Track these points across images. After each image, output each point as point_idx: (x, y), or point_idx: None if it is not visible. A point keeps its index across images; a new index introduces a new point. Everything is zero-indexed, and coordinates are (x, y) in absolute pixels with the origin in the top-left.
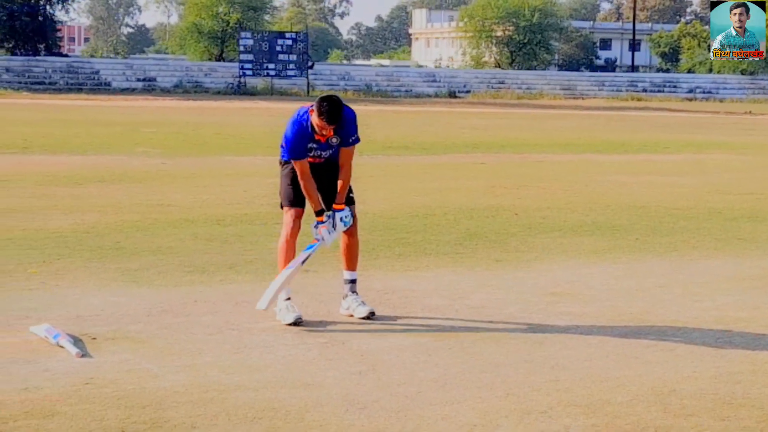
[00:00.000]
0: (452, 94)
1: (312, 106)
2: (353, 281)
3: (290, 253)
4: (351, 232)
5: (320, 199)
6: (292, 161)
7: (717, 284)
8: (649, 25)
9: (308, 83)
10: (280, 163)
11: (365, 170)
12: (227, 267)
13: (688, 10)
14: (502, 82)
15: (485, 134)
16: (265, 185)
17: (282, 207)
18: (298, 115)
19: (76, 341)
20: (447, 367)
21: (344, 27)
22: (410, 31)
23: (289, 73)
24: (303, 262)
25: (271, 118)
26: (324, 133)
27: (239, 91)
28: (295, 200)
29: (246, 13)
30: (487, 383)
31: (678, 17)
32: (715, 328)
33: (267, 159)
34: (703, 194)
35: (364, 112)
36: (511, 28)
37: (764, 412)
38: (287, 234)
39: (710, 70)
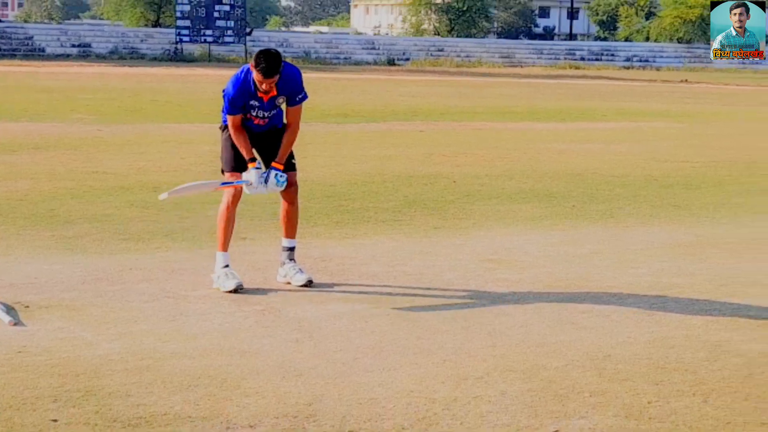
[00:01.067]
0: (391, 62)
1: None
2: (291, 249)
3: (231, 220)
4: (291, 199)
5: (254, 151)
6: (227, 116)
7: (652, 251)
8: None
9: (246, 50)
10: (221, 128)
11: (304, 138)
12: (163, 234)
13: None
14: (441, 50)
15: (424, 102)
16: (202, 152)
17: (223, 172)
18: (240, 71)
19: (9, 309)
20: (384, 334)
21: None
22: None
23: (227, 39)
24: (222, 184)
25: (209, 85)
26: (264, 88)
27: (176, 57)
28: (236, 165)
29: None
30: (423, 349)
31: None
32: (650, 293)
33: (204, 126)
34: (639, 162)
35: (303, 79)
36: None
37: (697, 377)
38: (228, 200)
39: (647, 39)
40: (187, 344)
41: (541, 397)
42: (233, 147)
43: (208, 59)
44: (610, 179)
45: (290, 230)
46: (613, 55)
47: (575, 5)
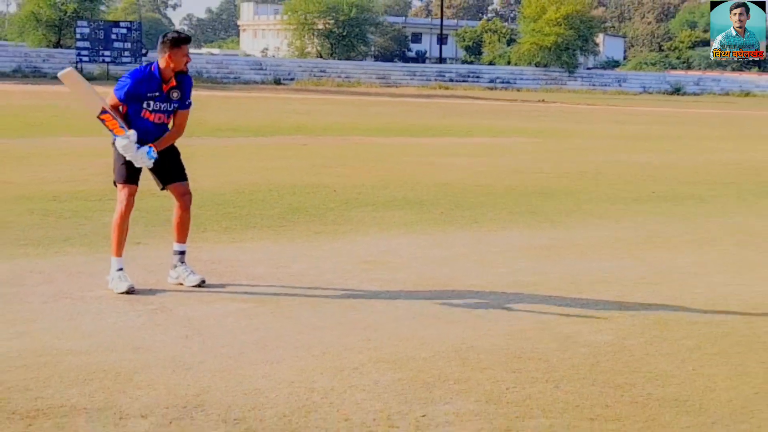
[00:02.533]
0: (278, 82)
1: (157, 57)
2: (183, 252)
3: (124, 229)
4: (185, 206)
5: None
6: (111, 99)
7: (511, 253)
8: (455, 21)
9: None
10: (113, 143)
11: (195, 151)
12: (62, 240)
13: (490, 8)
14: (324, 71)
15: (308, 118)
16: (100, 164)
17: (115, 184)
18: (145, 66)
19: None
20: (267, 330)
21: (177, 18)
22: (239, 22)
23: (124, 59)
24: (104, 112)
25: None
26: (184, 62)
27: None
28: (129, 177)
29: (82, 3)
30: (304, 344)
31: (480, 14)
32: (509, 291)
33: (103, 139)
34: (500, 173)
35: (195, 97)
36: (331, 21)
37: (549, 365)
38: (122, 210)
39: (509, 63)
40: (84, 341)
41: (410, 385)
42: (126, 161)
43: (107, 78)
44: (474, 189)
45: (182, 235)
46: (478, 77)
47: (444, 32)
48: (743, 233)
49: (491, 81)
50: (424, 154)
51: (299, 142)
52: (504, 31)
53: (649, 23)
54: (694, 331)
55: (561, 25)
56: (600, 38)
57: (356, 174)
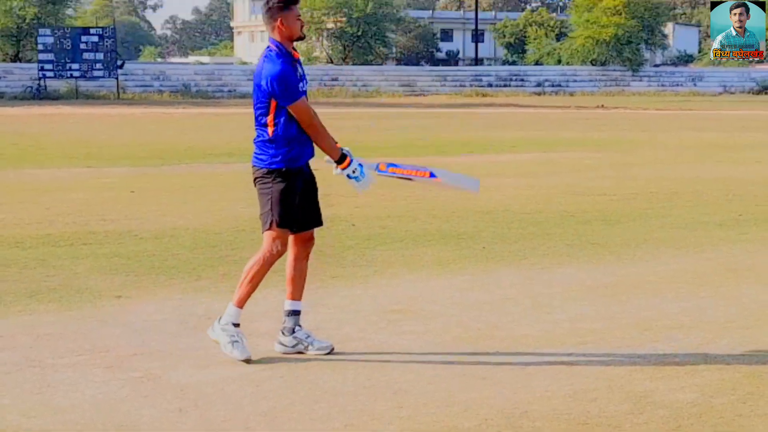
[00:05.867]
0: None
1: (268, 34)
2: (298, 313)
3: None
4: (307, 254)
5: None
6: (296, 106)
7: (569, 294)
8: (493, 13)
9: (118, 84)
10: (267, 174)
11: (184, 180)
12: (27, 296)
13: None
14: (336, 79)
15: None
16: (70, 201)
17: (270, 227)
18: (271, 52)
19: None
20: (277, 399)
21: (158, 21)
22: (232, 24)
23: (96, 73)
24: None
25: (77, 125)
26: (300, 26)
27: (39, 95)
28: (292, 218)
29: (44, 8)
30: (322, 414)
31: (523, 5)
32: (568, 341)
33: (72, 171)
34: (553, 196)
35: (181, 115)
36: (343, 19)
37: (621, 431)
38: (277, 254)
39: (559, 62)
40: (56, 419)
41: None
42: (287, 197)
43: (76, 96)
44: (522, 216)
45: (300, 289)
46: (522, 80)
47: (480, 27)
48: None
49: (538, 84)
50: None
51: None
52: (552, 23)
53: None
54: None
55: (621, 14)
56: (669, 28)
57: (378, 203)
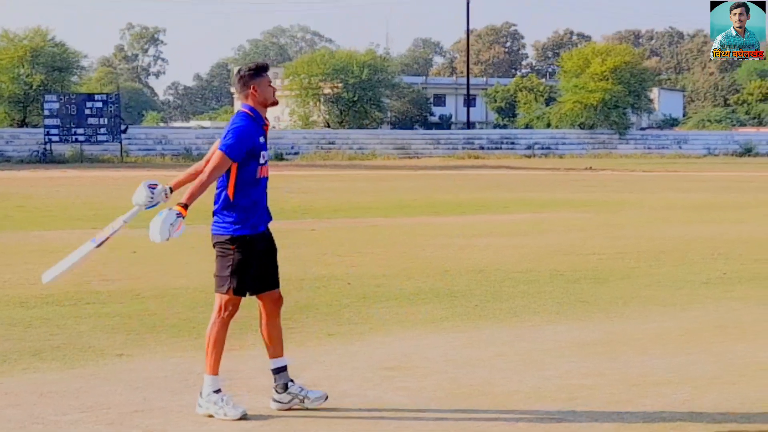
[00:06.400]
0: (279, 157)
1: (241, 101)
2: (285, 368)
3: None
4: (278, 313)
5: None
6: (222, 156)
7: (559, 350)
8: (484, 79)
9: (122, 148)
10: (227, 241)
11: (186, 242)
12: (31, 354)
13: (524, 62)
14: (332, 143)
15: (315, 198)
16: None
17: (227, 293)
18: (241, 113)
19: None
20: None
21: (160, 87)
22: (232, 90)
23: (101, 138)
24: (94, 241)
25: (82, 188)
26: (272, 92)
27: (45, 159)
28: (249, 285)
29: (50, 75)
30: None
31: (513, 71)
32: (558, 398)
33: (75, 233)
34: (544, 255)
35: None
36: (339, 85)
37: None
38: (229, 316)
39: (548, 125)
40: None
41: None
42: (246, 266)
43: (81, 160)
44: (514, 275)
45: (281, 346)
46: (513, 143)
47: (472, 92)
48: None
49: (529, 147)
50: (453, 235)
51: (306, 227)
52: (541, 88)
53: (712, 74)
54: None
55: (608, 79)
56: (654, 93)
57: (374, 263)
